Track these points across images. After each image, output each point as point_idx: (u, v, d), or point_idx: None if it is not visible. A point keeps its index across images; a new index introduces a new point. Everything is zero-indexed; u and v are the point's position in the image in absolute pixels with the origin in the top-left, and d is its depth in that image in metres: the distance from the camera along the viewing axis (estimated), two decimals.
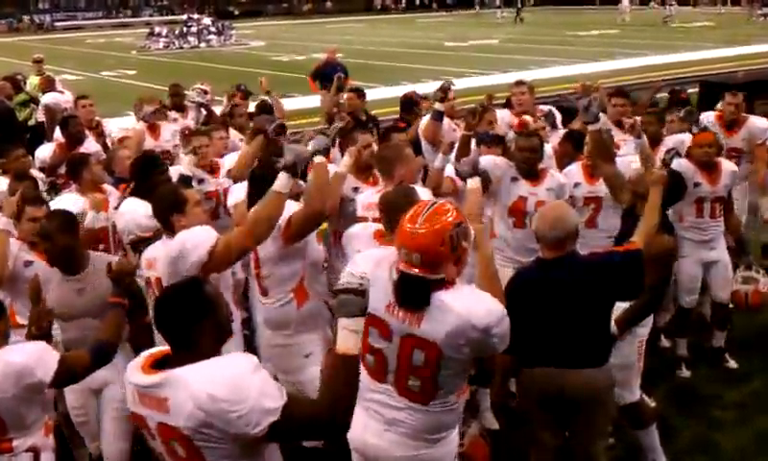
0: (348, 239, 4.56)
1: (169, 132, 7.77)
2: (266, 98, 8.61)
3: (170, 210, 4.26)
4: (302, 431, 2.73)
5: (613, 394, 4.33)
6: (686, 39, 32.76)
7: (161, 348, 2.84)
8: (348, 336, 2.71)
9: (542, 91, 17.31)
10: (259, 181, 4.52)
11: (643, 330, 4.94)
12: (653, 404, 5.74)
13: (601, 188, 5.83)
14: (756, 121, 7.41)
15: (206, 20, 40.96)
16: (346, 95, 8.78)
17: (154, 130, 7.64)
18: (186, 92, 8.26)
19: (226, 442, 2.58)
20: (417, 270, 3.13)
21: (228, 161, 6.22)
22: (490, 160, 5.53)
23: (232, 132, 7.35)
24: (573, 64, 25.08)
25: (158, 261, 4.24)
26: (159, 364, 2.74)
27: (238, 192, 5.22)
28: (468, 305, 3.11)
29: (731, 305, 6.75)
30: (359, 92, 9.04)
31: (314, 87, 10.26)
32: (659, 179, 4.59)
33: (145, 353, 2.84)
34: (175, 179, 5.66)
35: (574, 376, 4.09)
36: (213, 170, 6.33)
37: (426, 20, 51.43)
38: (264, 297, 4.70)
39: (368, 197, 5.08)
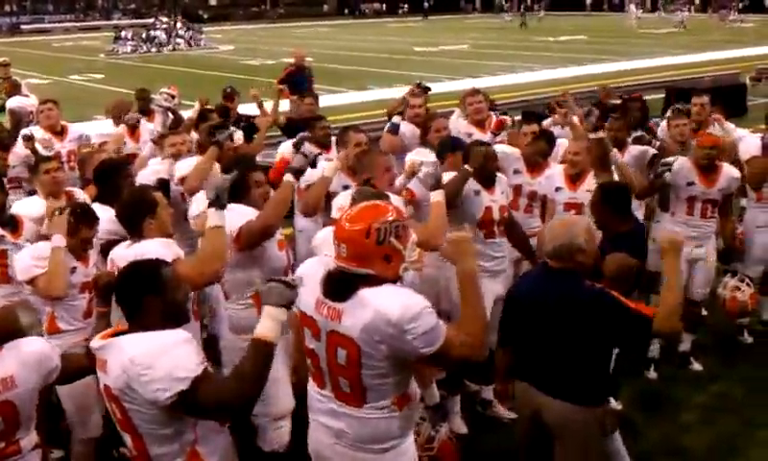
0: (317, 243, 4.54)
1: (147, 133, 7.73)
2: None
3: (142, 213, 4.26)
4: (210, 406, 2.85)
5: (599, 439, 4.11)
6: (654, 45, 33.15)
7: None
8: (269, 323, 2.87)
9: (511, 96, 17.53)
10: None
11: None
12: (619, 407, 5.81)
13: (582, 195, 5.87)
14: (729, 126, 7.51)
15: (178, 24, 40.75)
16: (305, 100, 8.74)
17: (133, 132, 7.63)
18: (154, 96, 8.20)
19: (146, 406, 2.83)
20: (344, 262, 3.13)
21: (181, 166, 6.09)
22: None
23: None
24: (541, 70, 25.29)
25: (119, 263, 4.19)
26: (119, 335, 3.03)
27: (200, 202, 5.17)
28: (385, 301, 3.03)
29: (704, 312, 6.86)
30: (316, 97, 9.06)
31: (284, 94, 10.25)
32: (671, 246, 3.94)
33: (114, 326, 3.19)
34: (149, 181, 5.69)
35: (549, 403, 3.97)
36: None
37: (397, 25, 51.56)
38: (227, 300, 4.72)
39: (342, 199, 5.05)
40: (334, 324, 3.14)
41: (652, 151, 6.83)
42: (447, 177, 5.25)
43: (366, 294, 3.07)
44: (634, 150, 6.79)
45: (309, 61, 15.15)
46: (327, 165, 5.48)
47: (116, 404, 2.95)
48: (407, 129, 7.17)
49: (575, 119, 7.12)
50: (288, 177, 4.61)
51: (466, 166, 5.42)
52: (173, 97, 7.89)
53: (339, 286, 3.15)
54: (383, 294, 3.06)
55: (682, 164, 6.22)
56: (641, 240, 5.13)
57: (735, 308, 6.45)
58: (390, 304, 3.02)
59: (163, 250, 4.03)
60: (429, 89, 8.71)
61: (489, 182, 5.62)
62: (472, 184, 5.57)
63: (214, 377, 2.97)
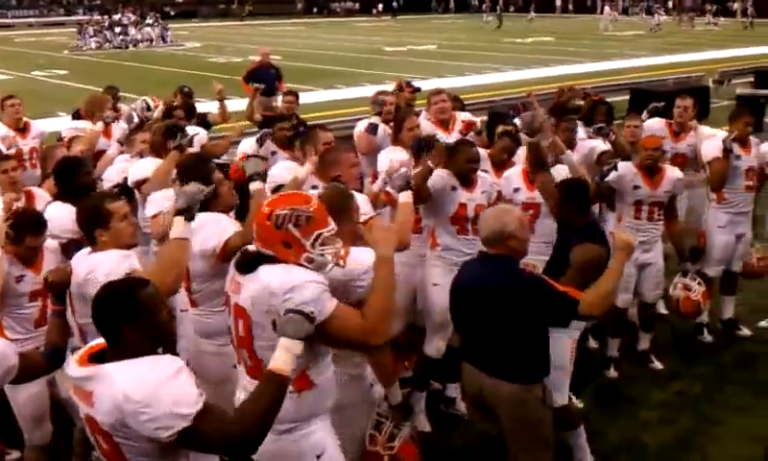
0: None
1: (119, 131, 7.62)
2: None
3: (93, 225, 4.09)
4: (214, 442, 2.71)
5: (543, 415, 4.26)
6: (619, 48, 33.50)
7: (101, 341, 2.87)
8: (285, 356, 2.77)
9: (478, 97, 17.61)
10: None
11: (576, 333, 5.04)
12: (580, 405, 5.88)
13: (539, 195, 5.91)
14: (704, 129, 7.61)
15: (148, 19, 40.30)
16: (281, 98, 8.75)
17: (106, 129, 7.56)
18: (132, 106, 7.97)
19: (141, 442, 2.62)
20: (255, 243, 3.35)
21: (137, 168, 6.00)
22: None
23: None
24: (508, 71, 25.45)
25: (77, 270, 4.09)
26: (97, 357, 2.79)
27: (156, 202, 5.12)
28: (271, 273, 3.21)
29: (662, 310, 6.94)
30: (296, 95, 9.12)
31: (247, 89, 10.22)
32: (624, 246, 4.36)
33: (87, 346, 2.93)
34: (115, 180, 5.73)
35: (490, 383, 4.21)
36: None
37: (367, 25, 51.54)
38: (194, 307, 4.65)
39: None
40: (236, 297, 3.33)
41: (600, 148, 6.86)
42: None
43: (262, 269, 3.25)
44: (582, 147, 6.82)
45: (277, 60, 15.10)
46: (303, 168, 5.44)
47: (104, 438, 2.73)
48: (381, 129, 7.18)
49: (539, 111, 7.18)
50: (256, 185, 4.55)
51: (428, 163, 5.44)
52: (149, 109, 7.74)
53: (246, 263, 3.33)
54: (274, 269, 3.23)
55: (627, 168, 6.24)
56: (602, 230, 5.20)
57: (689, 308, 6.52)
58: (274, 276, 3.19)
59: (114, 264, 3.88)
60: (418, 89, 8.76)
61: (467, 181, 5.66)
62: (451, 180, 5.61)
63: (216, 411, 2.74)
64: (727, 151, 6.72)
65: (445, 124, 7.42)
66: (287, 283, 3.15)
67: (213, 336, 4.58)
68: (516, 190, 6.07)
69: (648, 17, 47.37)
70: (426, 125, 7.33)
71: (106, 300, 2.83)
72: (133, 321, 2.75)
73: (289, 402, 3.21)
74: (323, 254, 3.29)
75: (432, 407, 5.90)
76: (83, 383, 2.73)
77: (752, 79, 21.10)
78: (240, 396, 3.45)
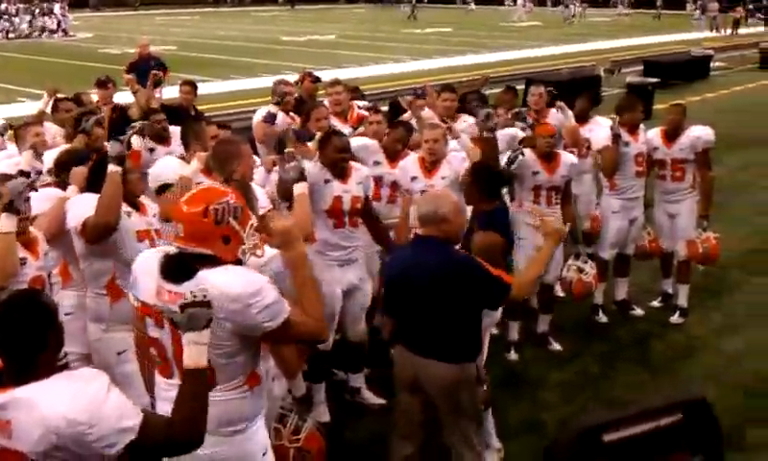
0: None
1: None
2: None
3: None
4: (159, 449, 2.64)
5: (472, 394, 4.34)
6: (515, 38, 34.19)
7: None
8: (195, 349, 2.69)
9: (378, 87, 17.68)
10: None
11: (490, 320, 5.07)
12: (484, 388, 5.97)
13: (438, 182, 5.98)
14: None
15: (56, 8, 38.29)
16: (163, 90, 8.53)
17: None
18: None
19: None
20: (181, 242, 3.13)
21: (49, 158, 5.81)
22: None
23: (54, 127, 7.02)
24: (408, 62, 25.63)
25: None
26: None
27: (41, 202, 4.91)
28: (225, 278, 3.05)
29: (559, 293, 7.13)
30: (193, 86, 8.92)
31: (128, 82, 9.97)
32: (554, 233, 4.47)
33: None
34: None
35: (424, 365, 4.25)
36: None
37: (263, 14, 50.96)
38: (84, 290, 4.67)
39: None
40: (176, 307, 3.03)
41: (521, 134, 7.03)
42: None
43: (205, 274, 3.05)
44: (502, 135, 6.95)
45: (171, 50, 14.73)
46: (190, 165, 5.30)
47: None
48: (280, 117, 7.10)
49: (426, 112, 7.28)
50: (111, 167, 4.43)
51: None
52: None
53: (178, 269, 3.11)
54: (223, 272, 3.08)
55: (529, 155, 6.47)
56: (504, 219, 5.29)
57: (581, 290, 6.79)
58: (231, 281, 3.04)
59: None
60: (319, 79, 8.70)
61: (341, 173, 5.58)
62: (323, 174, 5.53)
63: (156, 417, 2.70)
64: (616, 137, 6.95)
65: (343, 115, 7.42)
66: (249, 287, 3.03)
67: (97, 321, 4.61)
68: (414, 179, 6.09)
69: (563, 9, 47.65)
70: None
71: (25, 313, 2.58)
72: (53, 328, 2.61)
73: (243, 402, 3.23)
74: (253, 245, 3.24)
75: (337, 397, 5.90)
76: None
77: (641, 67, 21.94)
78: (163, 406, 3.23)
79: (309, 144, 5.95)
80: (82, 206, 4.42)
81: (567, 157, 6.63)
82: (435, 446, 4.51)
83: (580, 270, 6.74)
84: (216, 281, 3.02)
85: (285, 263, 3.31)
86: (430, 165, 6.09)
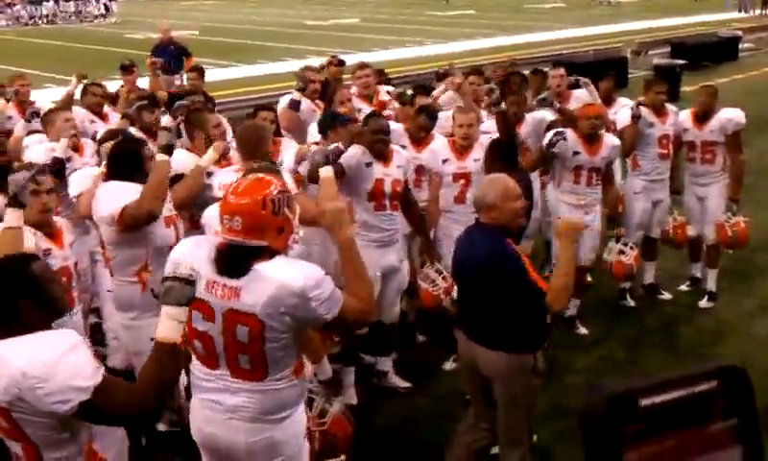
0: (207, 221, 4.45)
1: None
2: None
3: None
4: (114, 414, 2.72)
5: (533, 384, 4.29)
6: (539, 20, 33.89)
7: None
8: (170, 324, 2.72)
9: (401, 70, 17.61)
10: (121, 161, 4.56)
11: None
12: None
13: (471, 164, 5.98)
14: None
15: None
16: (186, 75, 8.58)
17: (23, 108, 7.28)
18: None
19: (40, 416, 2.65)
20: (238, 235, 3.09)
21: (35, 151, 5.83)
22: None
23: (82, 112, 7.09)
24: (432, 45, 25.50)
25: None
26: None
27: (81, 181, 5.01)
28: (284, 271, 3.05)
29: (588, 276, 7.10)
30: (200, 71, 8.94)
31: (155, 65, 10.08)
32: (566, 231, 4.26)
33: None
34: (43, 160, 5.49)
35: (477, 351, 4.25)
36: (77, 149, 6.06)
37: None
38: (112, 277, 4.68)
39: (224, 177, 4.95)
40: (232, 302, 3.09)
41: (549, 117, 7.00)
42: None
43: (263, 268, 3.06)
44: (530, 119, 6.93)
45: (195, 35, 14.77)
46: (206, 155, 5.32)
47: (2, 415, 2.71)
48: (305, 104, 7.11)
49: (448, 95, 7.30)
50: (160, 156, 4.50)
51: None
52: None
53: (234, 261, 3.10)
54: (281, 266, 3.08)
55: (570, 135, 6.43)
56: (526, 183, 5.26)
57: (621, 272, 6.80)
58: (292, 275, 3.04)
59: None
60: (344, 63, 8.71)
61: (381, 155, 5.63)
62: (365, 157, 5.57)
63: (115, 383, 2.76)
64: (635, 118, 6.90)
65: (369, 98, 7.42)
66: (310, 281, 3.04)
67: (127, 309, 4.60)
68: (445, 161, 6.08)
69: None
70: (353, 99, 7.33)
71: (0, 277, 2.82)
72: (31, 295, 2.77)
73: (293, 389, 3.27)
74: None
75: (365, 381, 5.91)
76: None
77: (668, 49, 21.66)
78: (216, 396, 3.27)
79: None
80: (115, 195, 4.38)
81: (610, 140, 6.59)
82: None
83: (621, 252, 6.76)
84: (276, 275, 3.04)
85: (336, 245, 3.32)
86: (462, 148, 6.06)
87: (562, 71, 8.01)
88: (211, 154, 5.22)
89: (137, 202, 4.31)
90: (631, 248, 6.82)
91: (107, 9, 37.68)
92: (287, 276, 3.03)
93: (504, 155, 5.35)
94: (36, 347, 2.65)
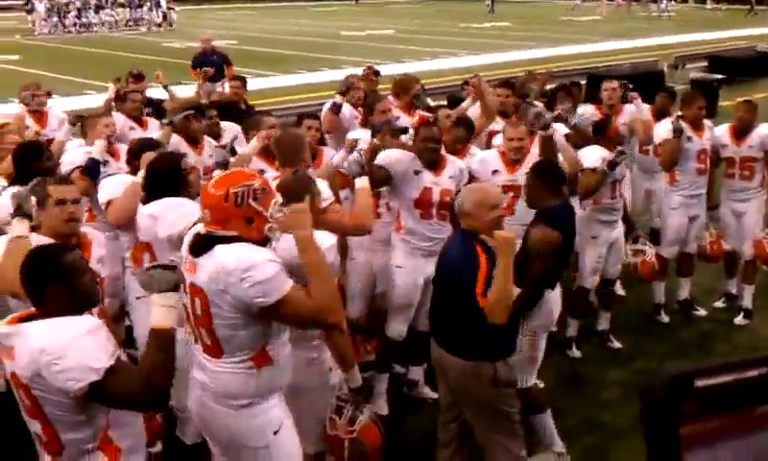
0: None
1: (56, 120, 7.46)
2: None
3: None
4: (120, 398, 2.86)
5: (492, 394, 4.25)
6: (575, 32, 33.75)
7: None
8: (161, 311, 2.90)
9: (435, 82, 17.62)
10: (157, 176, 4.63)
11: (534, 323, 4.98)
12: (541, 385, 5.93)
13: (520, 177, 5.89)
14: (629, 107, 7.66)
15: (163, 2, 38.68)
16: (228, 83, 8.70)
17: (39, 117, 7.37)
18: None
19: (56, 394, 2.80)
20: (209, 226, 3.34)
21: (71, 156, 5.95)
22: (390, 156, 5.55)
23: (122, 118, 7.18)
24: (466, 56, 25.50)
25: None
26: (26, 320, 2.96)
27: (112, 188, 5.05)
28: (227, 252, 3.24)
29: (619, 291, 7.05)
30: (242, 80, 9.09)
31: (194, 75, 10.19)
32: (505, 243, 4.11)
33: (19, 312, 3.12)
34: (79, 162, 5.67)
35: (443, 356, 4.33)
36: (113, 154, 6.16)
37: (321, 9, 51.22)
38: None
39: None
40: (192, 276, 3.35)
41: (564, 130, 6.88)
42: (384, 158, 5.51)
43: (217, 248, 3.28)
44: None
45: (232, 45, 14.92)
46: (250, 144, 5.51)
47: (24, 392, 2.90)
48: (347, 110, 7.15)
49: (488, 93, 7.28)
50: (362, 181, 4.72)
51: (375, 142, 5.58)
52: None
53: (201, 245, 3.35)
54: (230, 248, 3.27)
55: (597, 152, 6.36)
56: (567, 216, 5.12)
57: (647, 270, 6.79)
58: (229, 255, 3.23)
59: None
60: (378, 73, 8.79)
61: (432, 164, 5.61)
62: (414, 164, 5.56)
63: (128, 368, 2.94)
64: (677, 132, 6.83)
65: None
66: (243, 262, 3.19)
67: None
68: (495, 172, 6.01)
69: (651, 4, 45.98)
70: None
71: (33, 261, 3.04)
72: (58, 283, 2.93)
73: (249, 378, 3.39)
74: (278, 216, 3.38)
75: (395, 390, 5.91)
76: (5, 340, 2.91)
77: (706, 63, 21.46)
78: (195, 373, 3.53)
79: (403, 137, 5.98)
80: (187, 212, 4.36)
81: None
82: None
83: (641, 251, 6.77)
84: (219, 255, 3.24)
85: (296, 244, 3.40)
86: (513, 160, 6.01)
87: (615, 84, 7.80)
88: (254, 143, 5.34)
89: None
90: (649, 247, 6.80)
91: (164, 17, 38.11)
92: (225, 256, 3.22)
93: (550, 179, 5.12)
94: (57, 326, 2.83)
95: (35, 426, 3.00)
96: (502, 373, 4.24)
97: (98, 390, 2.77)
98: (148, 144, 5.32)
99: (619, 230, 6.61)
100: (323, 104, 7.63)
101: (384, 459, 4.24)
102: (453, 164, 5.74)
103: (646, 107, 7.47)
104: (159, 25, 37.62)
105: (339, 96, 7.11)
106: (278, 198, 3.45)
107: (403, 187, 5.56)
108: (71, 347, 2.76)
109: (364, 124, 6.58)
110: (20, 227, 3.94)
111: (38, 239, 3.94)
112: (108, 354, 2.81)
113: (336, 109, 7.02)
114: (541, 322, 5.04)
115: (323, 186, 4.67)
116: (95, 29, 36.24)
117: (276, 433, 3.48)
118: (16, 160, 5.24)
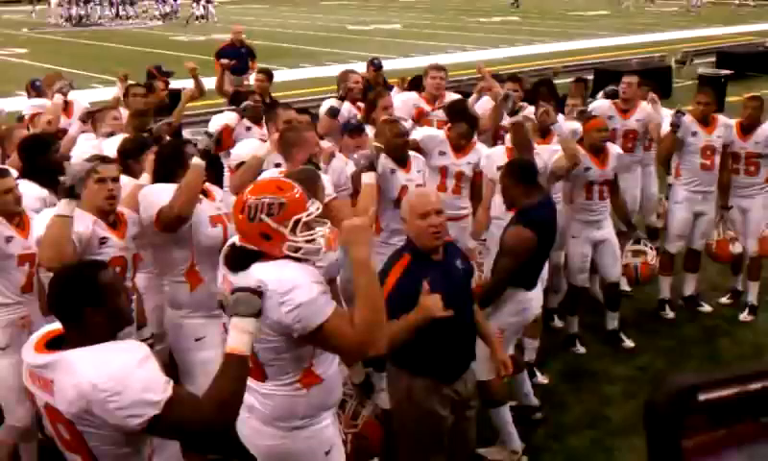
0: None
1: (80, 109, 7.47)
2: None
3: None
4: (185, 428, 2.64)
5: (403, 407, 4.02)
6: (583, 28, 33.64)
7: (57, 326, 2.78)
8: (239, 336, 2.66)
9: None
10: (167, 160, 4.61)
11: (499, 322, 4.91)
12: (545, 380, 5.95)
13: None
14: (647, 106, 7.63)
15: None
16: (253, 76, 8.72)
17: (66, 107, 7.41)
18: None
19: (107, 430, 2.56)
20: (240, 240, 3.18)
21: (81, 148, 5.95)
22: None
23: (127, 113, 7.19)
24: (474, 51, 25.44)
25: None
26: (54, 343, 2.71)
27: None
28: (264, 272, 3.01)
29: (625, 288, 7.03)
30: (268, 74, 9.03)
31: (218, 66, 10.14)
32: (358, 233, 3.11)
33: (42, 331, 2.82)
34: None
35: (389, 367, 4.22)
36: None
37: (329, 3, 51.18)
38: (163, 277, 4.71)
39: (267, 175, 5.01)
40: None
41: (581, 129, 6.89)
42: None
43: (254, 267, 3.06)
44: (566, 126, 6.82)
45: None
46: (260, 145, 5.42)
47: (66, 427, 2.64)
48: (345, 110, 7.14)
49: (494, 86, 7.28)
50: (196, 160, 4.48)
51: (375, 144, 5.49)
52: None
53: (236, 260, 3.16)
54: (266, 266, 3.06)
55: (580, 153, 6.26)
56: (546, 213, 5.05)
57: (647, 272, 6.70)
58: (266, 275, 2.98)
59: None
60: (381, 67, 8.79)
61: (402, 161, 5.66)
62: (388, 163, 5.59)
63: (186, 396, 2.70)
64: (674, 126, 6.82)
65: (434, 100, 7.50)
66: (284, 284, 2.96)
67: (176, 307, 4.64)
68: (500, 169, 6.00)
69: None
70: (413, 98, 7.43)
71: (67, 283, 2.76)
72: (96, 305, 2.68)
73: (299, 399, 3.23)
74: (312, 239, 3.11)
75: None
76: (41, 371, 2.64)
77: (713, 59, 21.38)
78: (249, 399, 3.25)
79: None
80: (155, 198, 4.40)
81: (614, 149, 6.52)
82: None
83: (641, 252, 6.67)
84: (257, 273, 3.01)
85: (352, 263, 3.10)
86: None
87: (635, 79, 7.70)
88: (267, 144, 5.30)
89: (168, 204, 4.32)
90: (650, 248, 6.71)
91: (204, 12, 38.12)
92: (264, 275, 2.98)
93: (519, 174, 5.03)
94: (107, 358, 2.57)
95: (73, 458, 2.78)
96: (419, 391, 3.97)
97: (158, 423, 2.55)
98: (141, 144, 5.31)
99: (607, 230, 6.51)
100: (327, 98, 7.60)
101: (386, 453, 4.27)
102: (417, 159, 5.81)
103: (664, 111, 7.41)
104: (202, 17, 37.56)
105: (337, 101, 7.09)
106: (304, 216, 3.12)
107: (383, 188, 5.53)
108: (126, 381, 2.51)
109: (366, 120, 6.57)
110: (67, 207, 3.93)
111: (79, 214, 4.04)
112: (162, 384, 2.58)
113: (333, 113, 7.00)
114: (511, 321, 4.98)
115: (325, 180, 4.69)
116: (130, 22, 36.47)
117: (327, 453, 3.38)
118: (22, 154, 5.27)
